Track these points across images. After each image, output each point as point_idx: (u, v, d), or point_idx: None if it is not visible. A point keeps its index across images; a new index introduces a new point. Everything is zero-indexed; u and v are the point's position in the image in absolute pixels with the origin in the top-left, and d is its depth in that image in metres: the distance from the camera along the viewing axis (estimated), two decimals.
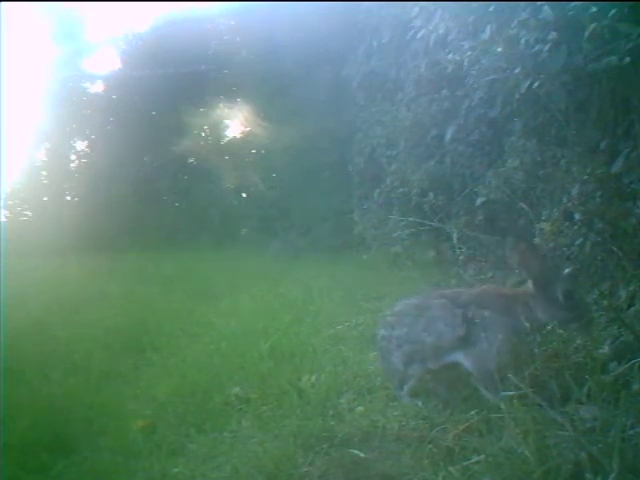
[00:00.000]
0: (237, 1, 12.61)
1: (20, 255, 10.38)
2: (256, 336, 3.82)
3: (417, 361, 2.42)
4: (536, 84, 3.01)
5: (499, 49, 3.19)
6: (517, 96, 3.34)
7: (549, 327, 2.36)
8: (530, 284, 2.29)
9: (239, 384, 3.04)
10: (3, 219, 14.30)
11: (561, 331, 2.37)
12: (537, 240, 3.09)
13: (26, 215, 14.37)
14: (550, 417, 1.77)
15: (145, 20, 18.57)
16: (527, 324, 2.25)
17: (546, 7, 2.86)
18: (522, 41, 3.00)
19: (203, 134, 13.92)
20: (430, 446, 2.00)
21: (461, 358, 2.34)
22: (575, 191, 3.01)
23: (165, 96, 12.80)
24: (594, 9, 2.55)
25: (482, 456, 1.77)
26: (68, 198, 14.44)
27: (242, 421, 2.63)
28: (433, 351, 2.38)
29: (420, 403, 2.40)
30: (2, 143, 11.13)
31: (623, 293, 2.70)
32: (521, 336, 2.28)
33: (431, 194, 5.07)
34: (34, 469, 2.53)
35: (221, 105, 13.32)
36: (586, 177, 2.95)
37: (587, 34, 2.58)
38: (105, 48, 15.98)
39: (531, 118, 3.69)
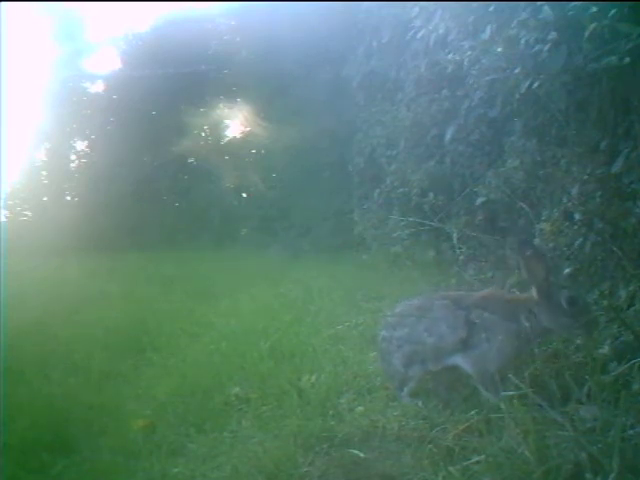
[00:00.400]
0: (237, 1, 12.63)
1: (20, 255, 10.39)
2: (256, 336, 3.82)
3: (417, 362, 2.42)
4: (536, 84, 3.00)
5: (499, 49, 3.18)
6: (517, 96, 3.33)
7: (553, 335, 2.35)
8: (534, 291, 2.27)
9: (239, 384, 3.05)
10: (3, 219, 14.34)
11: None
12: (537, 240, 3.09)
13: (26, 215, 14.40)
14: (550, 417, 1.77)
15: (145, 20, 18.64)
16: (529, 329, 2.24)
17: (546, 7, 2.85)
18: (522, 41, 2.99)
19: (203, 134, 13.94)
20: (430, 446, 2.00)
21: (460, 361, 2.34)
22: (575, 191, 3.00)
23: (165, 96, 12.82)
24: (594, 9, 2.55)
25: (482, 456, 1.77)
26: (68, 198, 14.47)
27: (242, 421, 2.63)
28: (434, 352, 2.38)
29: (420, 403, 2.40)
30: (2, 143, 11.14)
31: (623, 293, 2.69)
32: (523, 341, 2.27)
33: (431, 194, 5.06)
34: (34, 469, 2.53)
35: (221, 105, 13.34)
36: (586, 177, 2.94)
37: (587, 34, 2.57)
38: (105, 48, 16.02)
39: (531, 118, 3.68)
